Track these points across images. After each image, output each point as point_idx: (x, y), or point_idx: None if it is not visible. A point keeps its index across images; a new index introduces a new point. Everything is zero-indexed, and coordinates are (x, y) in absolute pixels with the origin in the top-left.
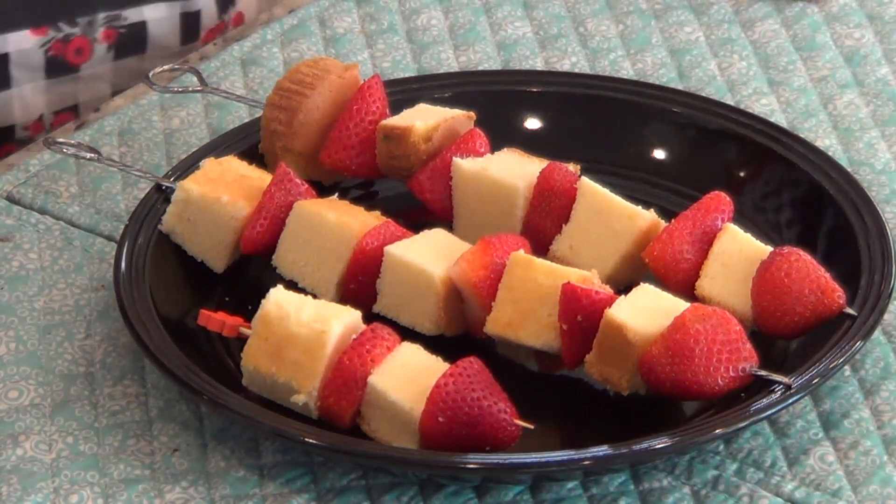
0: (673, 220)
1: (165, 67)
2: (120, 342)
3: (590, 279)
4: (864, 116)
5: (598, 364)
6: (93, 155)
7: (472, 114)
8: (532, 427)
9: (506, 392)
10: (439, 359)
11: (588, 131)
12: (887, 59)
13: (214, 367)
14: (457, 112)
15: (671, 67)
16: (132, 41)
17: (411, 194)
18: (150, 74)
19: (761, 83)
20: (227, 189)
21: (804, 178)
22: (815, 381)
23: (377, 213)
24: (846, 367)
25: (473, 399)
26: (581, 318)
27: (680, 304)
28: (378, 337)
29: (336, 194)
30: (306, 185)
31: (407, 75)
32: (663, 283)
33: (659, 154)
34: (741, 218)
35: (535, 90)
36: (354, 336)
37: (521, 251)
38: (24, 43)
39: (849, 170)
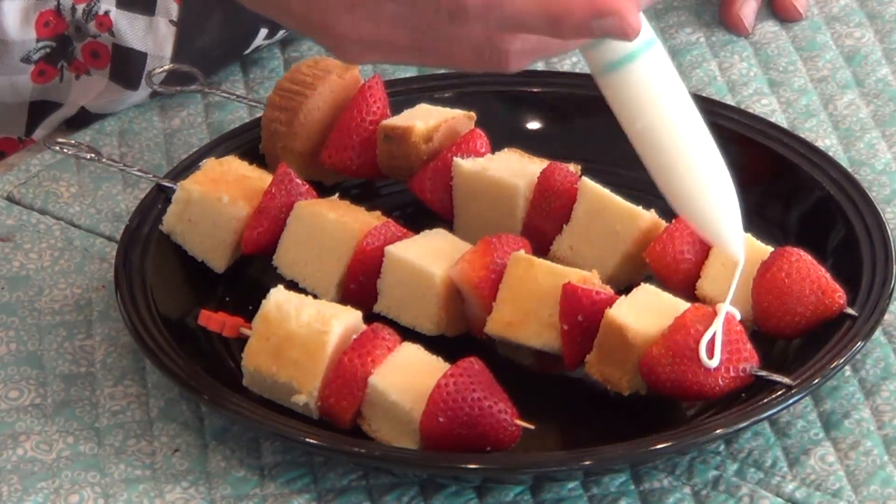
0: (673, 221)
1: (166, 67)
2: (120, 342)
3: (590, 279)
4: (864, 117)
5: (599, 364)
6: (93, 155)
7: (472, 114)
8: (532, 427)
9: (506, 392)
10: (440, 359)
11: (588, 131)
12: (887, 59)
13: (215, 367)
14: (457, 112)
15: None
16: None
17: (411, 194)
18: (151, 74)
19: (762, 84)
20: (227, 189)
21: (805, 178)
22: (816, 381)
23: (377, 213)
24: (847, 367)
25: (474, 399)
26: (582, 318)
27: (680, 305)
28: (378, 337)
29: (336, 194)
30: (307, 185)
31: (407, 75)
32: (664, 283)
33: None
34: (742, 218)
35: (535, 90)
36: (355, 336)
37: (522, 251)
38: None
39: (849, 170)
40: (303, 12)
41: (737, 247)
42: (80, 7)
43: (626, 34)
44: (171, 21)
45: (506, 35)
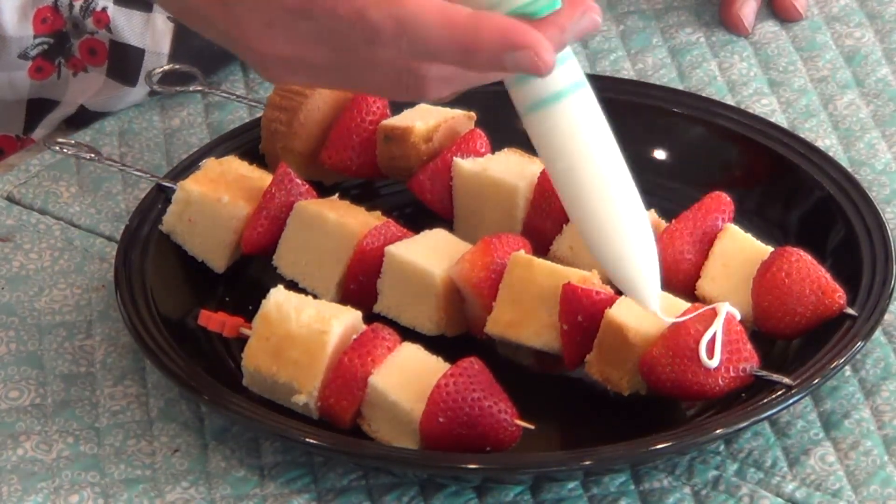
0: (673, 221)
1: (166, 67)
2: (120, 342)
3: (590, 279)
4: (864, 117)
5: (599, 364)
6: (93, 155)
7: (472, 114)
8: (532, 427)
9: (506, 392)
10: (440, 359)
11: None
12: (887, 59)
13: (215, 367)
14: (457, 112)
15: (671, 68)
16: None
17: (411, 194)
18: (150, 74)
19: (762, 84)
20: (227, 189)
21: (805, 178)
22: (816, 381)
23: (377, 213)
24: (847, 367)
25: (474, 399)
26: (581, 318)
27: (680, 304)
28: (378, 337)
29: (336, 194)
30: (307, 185)
31: None
32: (664, 283)
33: (659, 154)
34: (742, 218)
35: None
36: (355, 336)
37: (522, 251)
38: None
39: (849, 170)
40: (224, 27)
41: (652, 300)
42: (78, 4)
43: (538, 70)
44: (168, 17)
45: (422, 62)
